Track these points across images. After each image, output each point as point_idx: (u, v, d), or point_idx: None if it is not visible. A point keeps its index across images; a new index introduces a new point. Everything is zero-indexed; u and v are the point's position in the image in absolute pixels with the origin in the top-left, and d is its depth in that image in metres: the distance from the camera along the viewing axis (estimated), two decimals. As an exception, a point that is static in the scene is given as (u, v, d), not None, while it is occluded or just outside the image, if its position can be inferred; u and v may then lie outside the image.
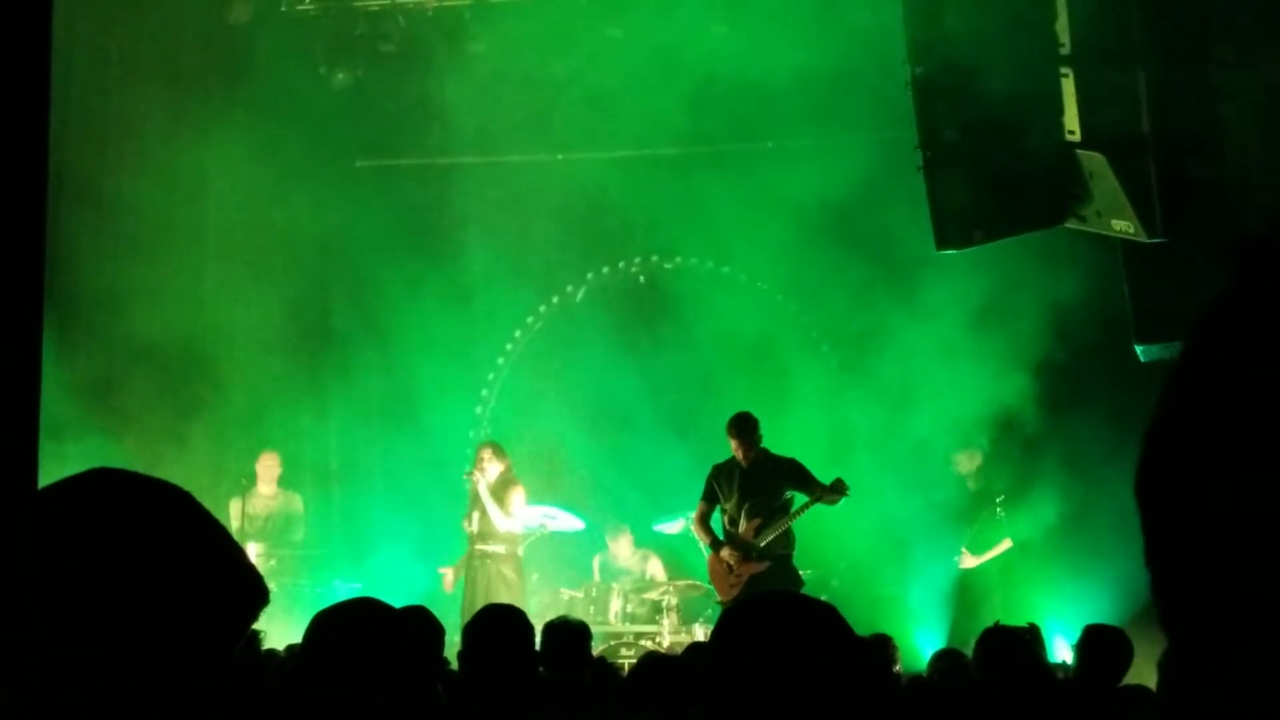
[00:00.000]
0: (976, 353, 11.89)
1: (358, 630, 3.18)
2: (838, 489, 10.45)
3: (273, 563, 12.13)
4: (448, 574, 11.84)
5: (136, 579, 1.49)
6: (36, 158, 1.33)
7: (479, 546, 11.63)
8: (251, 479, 12.44)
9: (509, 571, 11.60)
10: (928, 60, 9.50)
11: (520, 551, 11.86)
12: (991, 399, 11.92)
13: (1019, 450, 12.11)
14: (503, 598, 11.09)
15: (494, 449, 11.86)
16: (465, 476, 11.82)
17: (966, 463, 12.08)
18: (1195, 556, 0.96)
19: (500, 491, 11.62)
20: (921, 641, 11.82)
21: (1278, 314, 0.94)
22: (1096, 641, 6.73)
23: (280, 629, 9.96)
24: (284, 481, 12.70)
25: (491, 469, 11.66)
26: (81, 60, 11.08)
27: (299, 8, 13.42)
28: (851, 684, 2.23)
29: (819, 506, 10.55)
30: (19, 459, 1.29)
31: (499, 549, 11.60)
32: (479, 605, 10.64)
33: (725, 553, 10.62)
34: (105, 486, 1.56)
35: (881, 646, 8.27)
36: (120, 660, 1.47)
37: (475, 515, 11.68)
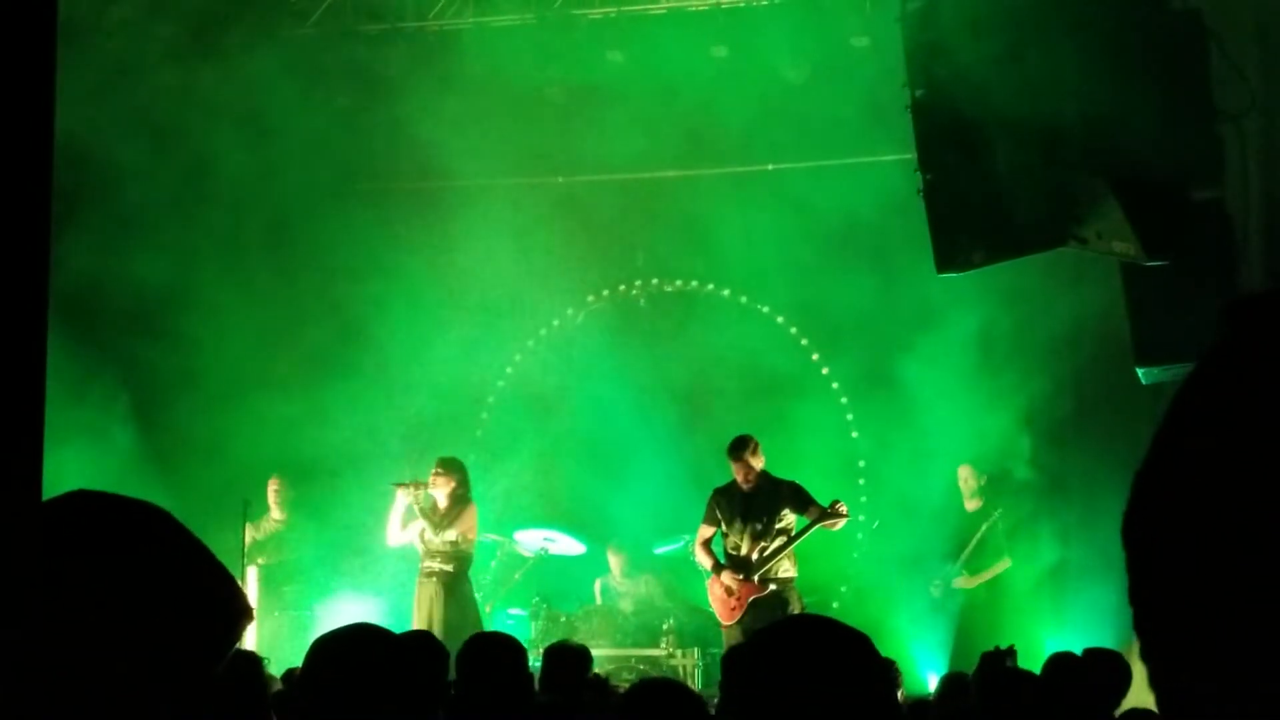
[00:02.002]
0: (982, 376, 11.88)
1: (357, 656, 3.16)
2: (837, 512, 10.43)
3: (276, 585, 12.12)
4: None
5: (116, 600, 1.48)
6: (41, 165, 1.32)
7: (424, 563, 11.30)
8: (262, 504, 12.48)
9: (454, 590, 11.19)
10: (928, 83, 9.51)
11: (467, 570, 11.44)
12: (996, 421, 11.89)
13: (1022, 473, 12.07)
14: (449, 617, 11.00)
15: (445, 465, 11.51)
16: (391, 485, 11.52)
17: (970, 479, 12.00)
18: (1177, 600, 0.99)
19: (452, 509, 11.32)
20: (923, 665, 11.80)
21: (1270, 365, 0.96)
22: (1095, 664, 6.73)
23: (283, 654, 9.94)
24: (291, 506, 12.72)
25: (441, 485, 11.33)
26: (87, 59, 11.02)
27: (300, 31, 13.46)
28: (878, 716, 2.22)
29: (820, 530, 10.53)
30: (22, 475, 1.28)
31: (446, 567, 11.21)
32: (423, 625, 10.70)
33: (726, 576, 10.59)
34: (86, 508, 1.55)
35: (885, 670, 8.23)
36: (101, 680, 1.46)
37: (420, 531, 11.33)
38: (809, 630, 2.36)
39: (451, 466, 11.51)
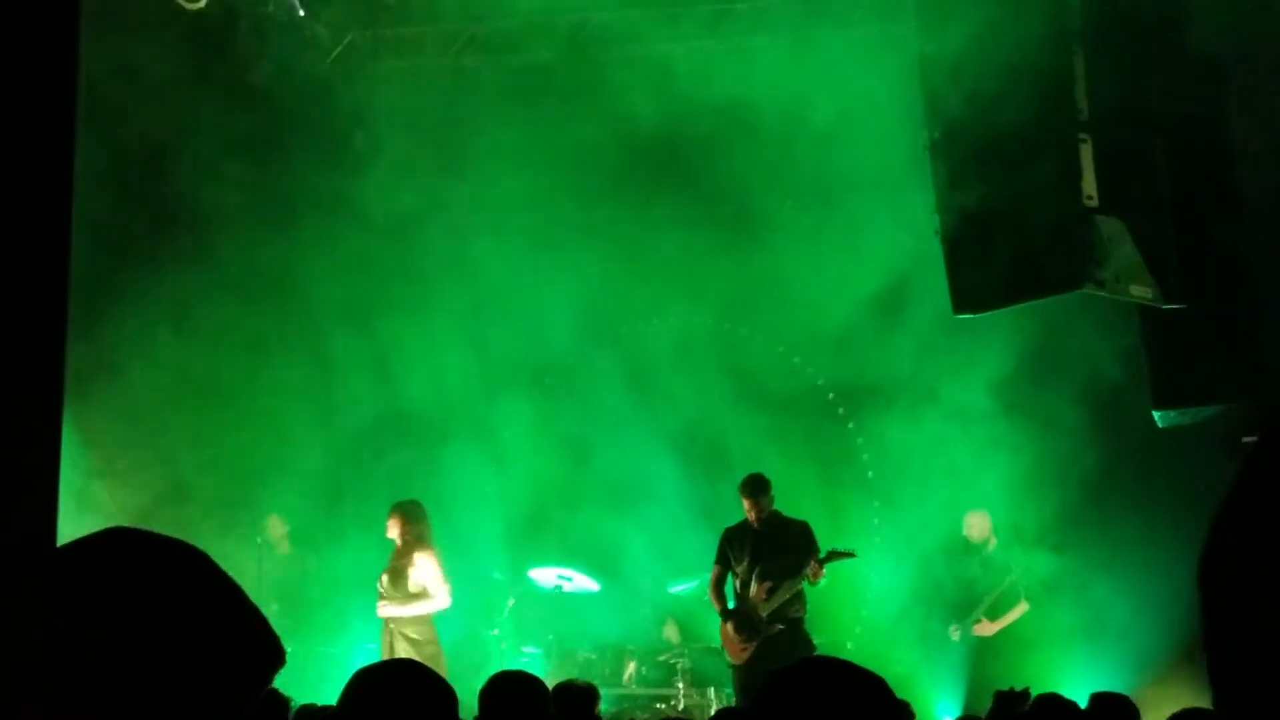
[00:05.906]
0: (998, 419, 11.84)
1: (397, 692, 3.16)
2: (817, 568, 10.37)
3: (289, 622, 12.11)
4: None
5: (152, 637, 1.49)
6: (62, 191, 1.35)
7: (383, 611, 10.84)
8: (268, 540, 12.47)
9: (412, 634, 10.65)
10: (945, 124, 9.53)
11: (433, 634, 10.80)
12: (1012, 466, 11.84)
13: (1037, 518, 12.00)
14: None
15: (394, 509, 10.95)
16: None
17: (977, 524, 11.90)
18: (1256, 645, 0.98)
19: (403, 555, 10.76)
20: (938, 708, 11.72)
21: None
22: (1103, 709, 6.71)
23: (296, 689, 9.90)
24: (298, 541, 12.70)
25: (391, 530, 10.81)
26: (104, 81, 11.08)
27: (317, 68, 13.54)
28: None
29: (837, 565, 10.50)
30: (39, 497, 1.29)
31: (406, 630, 10.74)
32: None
33: (729, 628, 10.59)
34: (123, 546, 1.57)
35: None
36: (137, 717, 1.47)
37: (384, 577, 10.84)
38: (826, 672, 2.36)
39: (399, 510, 10.87)
